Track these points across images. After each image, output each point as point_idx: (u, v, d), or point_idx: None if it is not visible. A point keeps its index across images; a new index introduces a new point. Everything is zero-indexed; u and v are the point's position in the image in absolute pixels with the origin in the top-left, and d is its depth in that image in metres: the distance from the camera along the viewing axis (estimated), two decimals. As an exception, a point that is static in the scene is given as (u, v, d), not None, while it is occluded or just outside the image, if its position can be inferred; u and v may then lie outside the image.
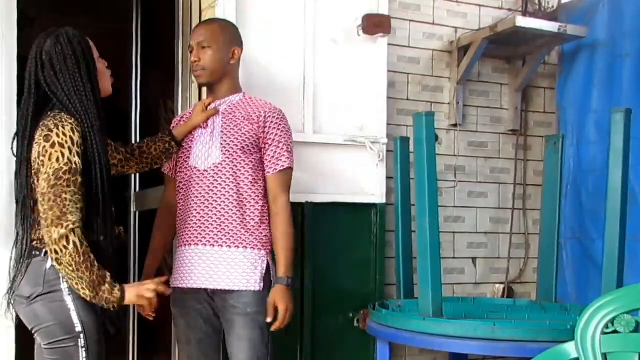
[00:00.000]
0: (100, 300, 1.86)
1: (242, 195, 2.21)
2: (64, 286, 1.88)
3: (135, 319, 3.41)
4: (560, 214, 2.82)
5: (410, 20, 3.25)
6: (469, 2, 3.37)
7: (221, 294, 2.19)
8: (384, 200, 2.94)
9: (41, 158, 1.85)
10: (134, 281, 3.39)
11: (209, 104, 2.29)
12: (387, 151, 2.97)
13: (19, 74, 2.40)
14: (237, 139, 2.22)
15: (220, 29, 2.31)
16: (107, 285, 1.86)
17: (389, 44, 3.02)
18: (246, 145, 2.22)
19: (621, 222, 2.41)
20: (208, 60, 2.25)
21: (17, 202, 1.99)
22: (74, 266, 1.81)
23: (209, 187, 2.20)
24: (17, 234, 1.97)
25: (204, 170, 2.22)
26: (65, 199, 1.81)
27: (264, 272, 2.19)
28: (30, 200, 1.93)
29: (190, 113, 2.38)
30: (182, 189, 2.27)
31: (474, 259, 3.38)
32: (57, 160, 1.82)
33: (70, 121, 1.87)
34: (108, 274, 1.87)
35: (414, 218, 2.47)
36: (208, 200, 2.20)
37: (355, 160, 2.90)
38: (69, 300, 1.88)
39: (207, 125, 2.27)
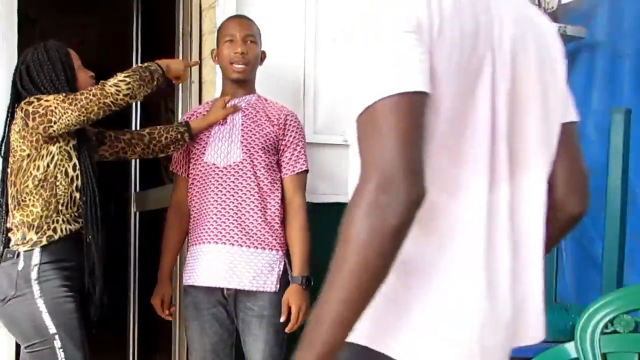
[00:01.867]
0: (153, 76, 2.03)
1: (263, 195, 2.19)
2: (35, 288, 1.88)
3: (135, 318, 3.41)
4: (560, 214, 2.82)
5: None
6: (469, 2, 3.37)
7: (237, 294, 2.17)
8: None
9: (39, 110, 1.91)
10: (134, 282, 3.39)
11: (229, 101, 2.26)
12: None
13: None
14: (259, 139, 2.22)
15: (257, 28, 2.32)
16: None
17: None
18: (267, 145, 2.22)
19: (621, 222, 2.41)
20: (253, 55, 2.25)
21: None
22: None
23: (229, 185, 2.18)
24: None
25: (223, 168, 2.19)
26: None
27: (280, 273, 2.19)
28: (5, 201, 1.94)
29: (202, 110, 2.35)
30: (197, 186, 2.24)
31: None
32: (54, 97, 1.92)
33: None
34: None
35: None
36: (229, 199, 2.17)
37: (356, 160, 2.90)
38: (40, 302, 1.87)
39: (226, 122, 2.24)
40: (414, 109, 0.87)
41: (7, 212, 1.96)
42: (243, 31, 2.24)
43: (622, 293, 2.01)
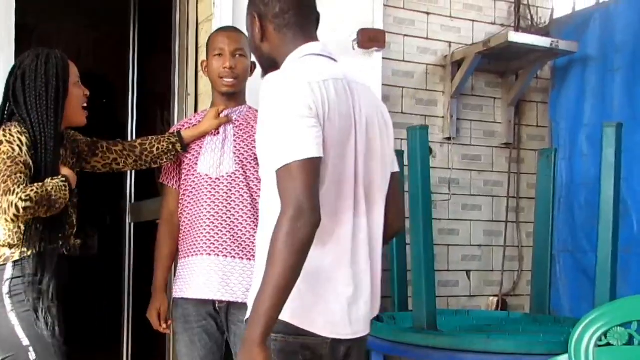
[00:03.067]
0: (62, 197, 1.88)
1: (256, 206, 2.16)
2: (6, 302, 1.87)
3: (129, 329, 3.40)
4: (553, 227, 2.84)
5: (405, 35, 3.28)
6: (462, 17, 3.41)
7: (229, 307, 2.15)
8: (378, 213, 2.95)
9: None
10: (128, 293, 3.38)
11: (222, 112, 2.26)
12: (382, 164, 2.99)
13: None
14: (252, 150, 2.20)
15: (247, 40, 2.34)
16: (57, 185, 1.88)
17: (383, 58, 3.05)
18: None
19: (613, 235, 2.42)
20: (242, 69, 2.24)
21: None
22: (34, 211, 1.82)
23: (222, 196, 2.16)
24: None
25: (216, 179, 2.18)
26: (16, 175, 1.83)
27: None
28: None
29: (194, 119, 2.34)
30: (189, 197, 2.22)
31: (467, 272, 3.40)
32: (6, 152, 1.87)
33: (18, 128, 1.92)
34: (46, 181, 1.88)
35: (408, 231, 2.48)
36: (222, 210, 2.15)
37: (350, 173, 2.91)
38: (12, 316, 1.87)
39: (218, 132, 2.24)
40: (313, 168, 1.38)
41: None
42: (232, 45, 2.22)
43: (616, 306, 2.03)
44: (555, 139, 3.51)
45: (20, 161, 1.86)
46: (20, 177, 1.83)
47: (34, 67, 1.97)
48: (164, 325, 2.28)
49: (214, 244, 2.15)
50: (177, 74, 3.05)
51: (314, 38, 1.57)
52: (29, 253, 1.91)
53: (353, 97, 1.49)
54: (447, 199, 3.33)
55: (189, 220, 2.20)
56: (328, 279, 1.45)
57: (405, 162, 2.75)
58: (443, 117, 3.36)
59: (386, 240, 1.60)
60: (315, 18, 1.61)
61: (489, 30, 3.43)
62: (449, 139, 3.35)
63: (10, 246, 1.91)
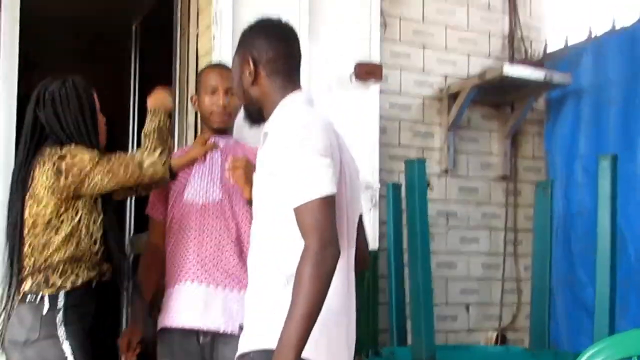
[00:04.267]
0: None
1: (241, 235, 2.18)
2: (60, 332, 1.87)
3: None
4: (551, 261, 2.84)
5: (401, 68, 3.32)
6: (458, 51, 3.46)
7: (214, 342, 2.13)
8: (376, 246, 2.94)
9: (73, 170, 1.92)
10: (127, 324, 3.35)
11: (209, 138, 2.28)
12: (380, 197, 3.00)
13: (18, 114, 2.43)
14: None
15: None
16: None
17: (380, 91, 3.08)
18: None
19: (611, 269, 2.42)
20: (234, 107, 2.27)
21: (7, 228, 1.99)
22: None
23: (210, 223, 2.17)
24: (7, 267, 1.97)
25: (202, 206, 2.19)
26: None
27: None
28: (21, 226, 1.93)
29: (180, 153, 2.35)
30: (176, 224, 2.22)
31: (466, 305, 3.39)
32: (90, 151, 1.94)
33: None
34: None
35: (407, 264, 2.48)
36: (209, 237, 2.16)
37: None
38: (66, 345, 1.87)
39: (205, 160, 2.26)
40: (333, 204, 1.48)
41: (20, 253, 1.93)
42: (225, 83, 2.24)
43: (615, 340, 2.01)
44: (551, 170, 3.53)
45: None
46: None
47: (64, 93, 1.98)
48: (130, 354, 2.23)
49: (199, 270, 2.14)
50: (177, 106, 3.08)
51: (299, 86, 1.65)
52: (79, 283, 1.94)
53: (339, 141, 1.60)
54: (445, 231, 3.34)
55: (176, 248, 2.20)
56: (329, 309, 1.49)
57: (403, 194, 2.76)
58: (440, 149, 3.38)
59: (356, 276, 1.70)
60: (299, 63, 1.68)
61: (484, 64, 3.48)
62: (446, 171, 3.37)
63: (66, 277, 1.92)
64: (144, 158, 1.97)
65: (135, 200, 3.34)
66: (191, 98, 2.39)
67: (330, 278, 1.42)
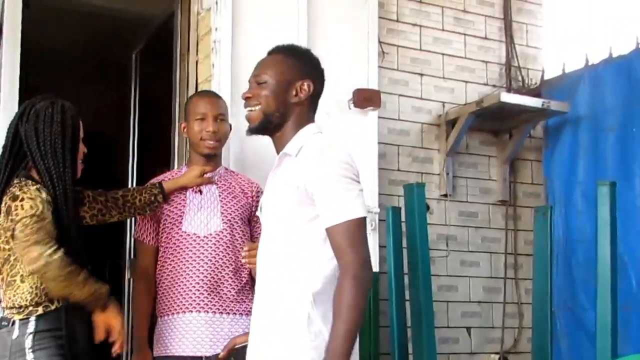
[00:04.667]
0: (95, 295, 1.87)
1: (238, 263, 2.24)
2: (28, 357, 1.84)
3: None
4: (552, 284, 2.83)
5: (400, 95, 3.35)
6: (455, 78, 3.50)
7: None
8: (377, 269, 2.93)
9: (11, 216, 1.84)
10: (129, 354, 3.31)
11: (207, 172, 2.30)
12: (379, 220, 3.00)
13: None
14: (237, 210, 2.28)
15: (225, 104, 2.42)
16: (90, 283, 1.87)
17: (379, 117, 3.10)
18: (243, 216, 2.29)
19: (612, 293, 2.41)
20: (223, 133, 2.34)
21: None
22: (61, 277, 1.81)
23: (211, 254, 2.21)
24: None
25: (205, 237, 2.23)
26: (45, 230, 1.82)
27: None
28: None
29: (169, 175, 2.37)
30: (173, 255, 2.24)
31: (468, 329, 3.37)
32: (31, 207, 1.83)
33: (36, 186, 1.88)
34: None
35: (407, 287, 2.47)
36: (211, 267, 2.20)
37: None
38: None
39: (201, 192, 2.29)
40: (364, 226, 1.58)
41: None
42: (214, 110, 2.31)
43: (618, 363, 2.00)
44: (550, 196, 3.54)
45: (46, 220, 1.84)
46: (47, 234, 1.82)
47: (49, 113, 1.94)
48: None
49: (202, 301, 2.18)
50: (176, 132, 3.10)
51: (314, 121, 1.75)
52: (52, 307, 1.90)
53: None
54: (445, 255, 3.33)
55: (172, 277, 2.22)
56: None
57: (403, 218, 2.76)
58: (439, 174, 3.39)
59: None
60: None
61: (481, 91, 3.51)
62: (445, 195, 3.38)
63: (37, 304, 1.89)
64: (49, 258, 1.81)
65: (134, 224, 3.33)
66: (180, 126, 2.42)
67: (368, 294, 1.53)
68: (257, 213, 1.95)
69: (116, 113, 3.93)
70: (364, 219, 1.58)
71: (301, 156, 1.61)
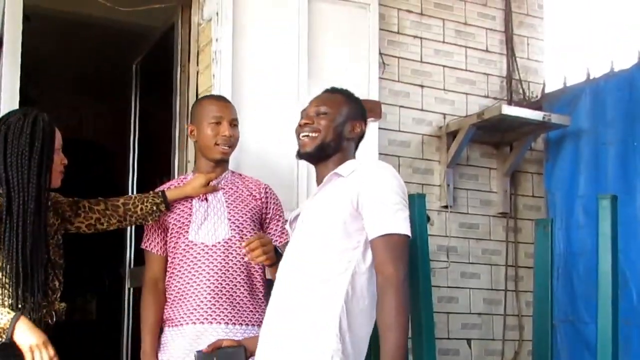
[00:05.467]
0: None
1: (251, 270, 2.20)
2: None
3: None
4: (552, 297, 2.82)
5: (400, 106, 3.36)
6: (456, 90, 3.50)
7: None
8: (376, 281, 2.93)
9: None
10: (127, 358, 3.29)
11: (212, 180, 2.26)
12: (379, 232, 2.99)
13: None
14: (246, 214, 2.23)
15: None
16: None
17: (379, 128, 3.10)
18: (254, 219, 2.24)
19: (613, 307, 2.40)
20: (237, 138, 2.31)
21: None
22: None
23: (220, 262, 2.17)
24: None
25: (213, 246, 2.18)
26: None
27: None
28: None
29: (175, 183, 2.35)
30: (181, 264, 2.20)
31: (468, 340, 3.35)
32: None
33: None
34: None
35: (407, 298, 2.46)
36: (221, 277, 2.16)
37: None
38: None
39: (206, 200, 2.24)
40: (408, 245, 1.69)
41: None
42: (230, 115, 2.28)
43: (619, 377, 1.98)
44: (551, 209, 3.53)
45: None
46: None
47: (19, 125, 1.92)
48: None
49: (215, 312, 2.14)
50: (177, 143, 3.10)
51: None
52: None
53: None
54: (445, 266, 3.32)
55: (183, 288, 2.18)
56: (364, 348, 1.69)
57: (403, 229, 2.75)
58: (439, 185, 3.39)
59: None
60: None
61: (482, 103, 3.51)
62: (446, 207, 3.37)
63: None
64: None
65: (134, 233, 3.33)
66: (189, 129, 2.36)
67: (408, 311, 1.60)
68: (286, 226, 1.98)
69: (116, 124, 3.93)
70: (409, 238, 1.65)
71: (353, 176, 1.74)
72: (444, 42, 3.50)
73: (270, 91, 2.87)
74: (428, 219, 2.56)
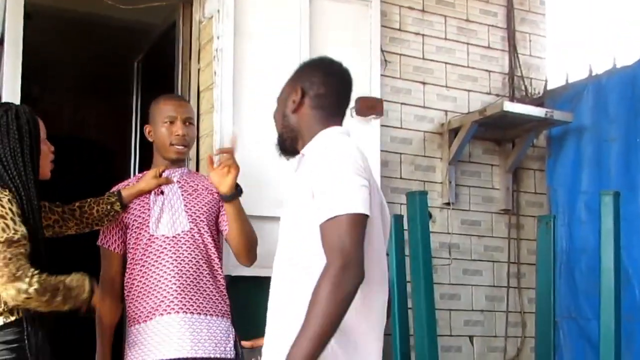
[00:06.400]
0: (77, 303, 1.86)
1: (212, 262, 2.21)
2: None
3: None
4: (555, 294, 2.82)
5: (402, 103, 3.35)
6: (458, 87, 3.49)
7: None
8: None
9: None
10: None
11: (162, 172, 2.26)
12: (381, 229, 2.99)
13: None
14: (202, 207, 2.24)
15: (192, 109, 2.41)
16: (70, 293, 1.84)
17: (381, 125, 3.10)
18: (210, 213, 2.25)
19: (615, 303, 2.40)
20: (192, 137, 2.32)
21: None
22: (42, 304, 1.80)
23: (183, 254, 2.17)
24: None
25: (174, 237, 2.18)
26: (18, 257, 1.79)
27: (233, 340, 2.19)
28: None
29: (134, 180, 2.34)
30: (143, 258, 2.18)
31: (470, 337, 3.35)
32: (3, 230, 1.80)
33: (5, 193, 1.85)
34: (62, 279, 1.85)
35: (410, 295, 2.46)
36: (185, 267, 2.16)
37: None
38: None
39: (162, 193, 2.24)
40: (362, 224, 1.41)
41: None
42: (184, 114, 2.27)
43: (622, 372, 1.98)
44: (553, 205, 3.53)
45: (18, 237, 1.80)
46: (21, 261, 1.78)
47: (4, 123, 1.92)
48: None
49: (181, 302, 2.13)
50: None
51: (340, 124, 1.66)
52: (12, 319, 1.84)
53: (366, 164, 1.57)
54: (448, 263, 3.31)
55: (147, 282, 2.17)
56: (364, 348, 1.47)
57: (405, 226, 2.75)
58: (442, 182, 3.38)
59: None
60: (345, 107, 1.70)
61: (484, 100, 3.51)
62: (448, 204, 3.36)
63: None
64: (27, 294, 1.78)
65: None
66: (145, 128, 2.35)
67: (349, 300, 1.36)
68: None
69: (118, 122, 3.93)
70: (362, 216, 1.40)
71: (308, 159, 1.57)
72: (445, 39, 3.49)
73: (272, 88, 2.83)
74: (430, 216, 2.57)
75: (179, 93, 3.13)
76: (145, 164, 3.61)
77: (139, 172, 3.59)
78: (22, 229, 1.82)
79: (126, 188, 2.26)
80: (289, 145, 1.68)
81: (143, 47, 3.68)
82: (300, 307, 1.41)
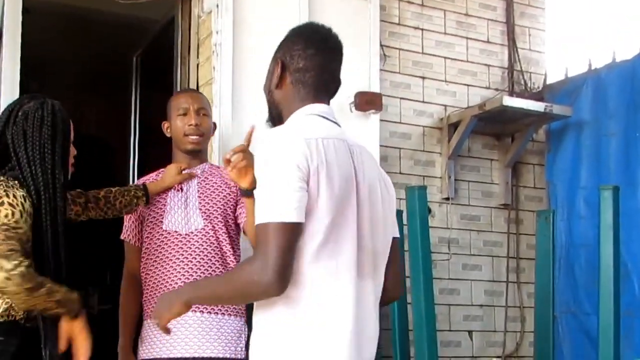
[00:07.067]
0: (61, 304, 1.71)
1: (226, 260, 2.20)
2: None
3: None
4: (554, 288, 2.82)
5: (401, 98, 3.35)
6: (457, 81, 3.49)
7: None
8: (378, 273, 2.93)
9: None
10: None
11: (184, 168, 2.26)
12: (381, 224, 2.99)
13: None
14: (218, 203, 2.23)
15: (207, 100, 2.39)
16: (56, 294, 1.69)
17: (380, 120, 3.10)
18: (226, 209, 2.23)
19: (615, 298, 2.41)
20: (206, 127, 2.30)
21: None
22: (21, 293, 1.64)
23: (195, 251, 2.16)
24: None
25: (186, 234, 2.18)
26: (11, 241, 1.66)
27: (245, 340, 2.16)
28: None
29: (155, 176, 2.33)
30: (155, 254, 2.19)
31: (470, 332, 3.35)
32: (6, 216, 1.68)
33: (22, 192, 1.73)
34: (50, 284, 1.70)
35: (409, 290, 2.46)
36: (196, 265, 2.16)
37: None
38: None
39: (181, 189, 2.24)
40: (290, 233, 1.35)
41: None
42: (196, 104, 2.27)
43: (621, 367, 1.99)
44: (552, 200, 3.53)
45: (19, 231, 1.69)
46: (15, 246, 1.65)
47: (39, 115, 1.78)
48: None
49: None
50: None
51: (324, 102, 1.55)
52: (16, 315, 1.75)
53: (355, 160, 1.48)
54: (447, 258, 3.32)
55: (158, 278, 2.17)
56: (328, 337, 1.41)
57: (405, 221, 2.75)
58: (441, 177, 3.38)
59: (381, 305, 1.57)
60: (335, 87, 1.58)
61: (483, 94, 3.50)
62: (447, 199, 3.37)
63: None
64: (9, 273, 1.63)
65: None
66: (163, 125, 2.35)
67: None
68: None
69: (117, 117, 3.92)
70: (292, 224, 1.33)
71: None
72: (445, 33, 3.49)
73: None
74: (429, 210, 2.57)
75: (178, 88, 3.13)
76: (145, 160, 3.65)
77: (138, 169, 3.63)
78: (25, 228, 1.72)
79: (152, 183, 2.26)
80: (277, 121, 1.58)
81: (142, 42, 3.67)
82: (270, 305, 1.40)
